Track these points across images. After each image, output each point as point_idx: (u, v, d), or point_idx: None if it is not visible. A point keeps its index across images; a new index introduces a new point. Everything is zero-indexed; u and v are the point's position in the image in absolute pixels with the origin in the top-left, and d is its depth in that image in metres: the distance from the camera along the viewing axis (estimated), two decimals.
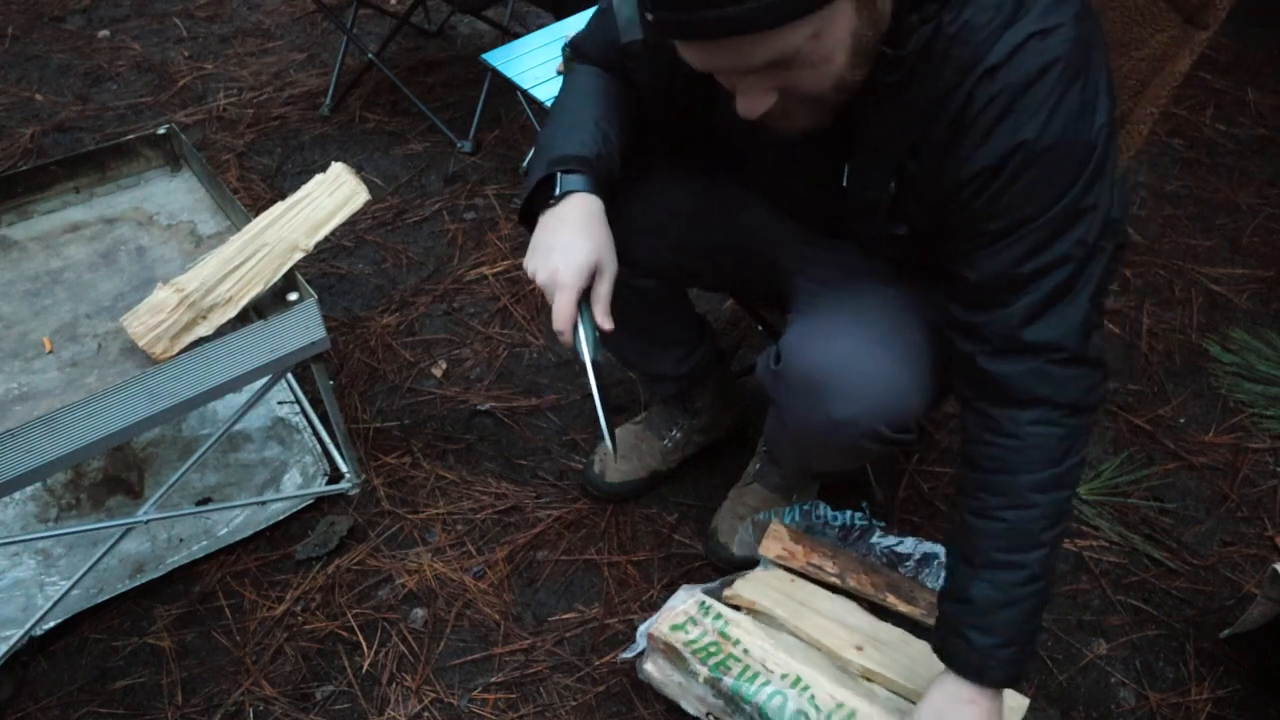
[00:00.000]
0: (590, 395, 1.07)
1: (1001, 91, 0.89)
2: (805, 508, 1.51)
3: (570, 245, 1.04)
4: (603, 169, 1.10)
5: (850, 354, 1.11)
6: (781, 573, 1.41)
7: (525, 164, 1.17)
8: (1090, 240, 0.95)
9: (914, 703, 1.23)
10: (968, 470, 1.06)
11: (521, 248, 2.19)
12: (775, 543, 1.43)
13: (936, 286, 1.08)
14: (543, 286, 1.05)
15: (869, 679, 1.28)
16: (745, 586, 1.37)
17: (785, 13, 0.80)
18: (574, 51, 1.27)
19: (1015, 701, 1.26)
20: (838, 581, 1.40)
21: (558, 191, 1.07)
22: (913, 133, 0.96)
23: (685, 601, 1.35)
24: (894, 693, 1.27)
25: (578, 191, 1.07)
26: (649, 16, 0.85)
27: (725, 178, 1.32)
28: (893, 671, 1.28)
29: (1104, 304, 1.02)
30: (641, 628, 1.35)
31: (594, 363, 1.05)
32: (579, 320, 1.04)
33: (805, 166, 1.13)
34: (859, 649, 1.30)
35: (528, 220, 1.12)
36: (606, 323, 1.05)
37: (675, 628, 1.30)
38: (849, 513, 1.51)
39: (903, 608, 1.37)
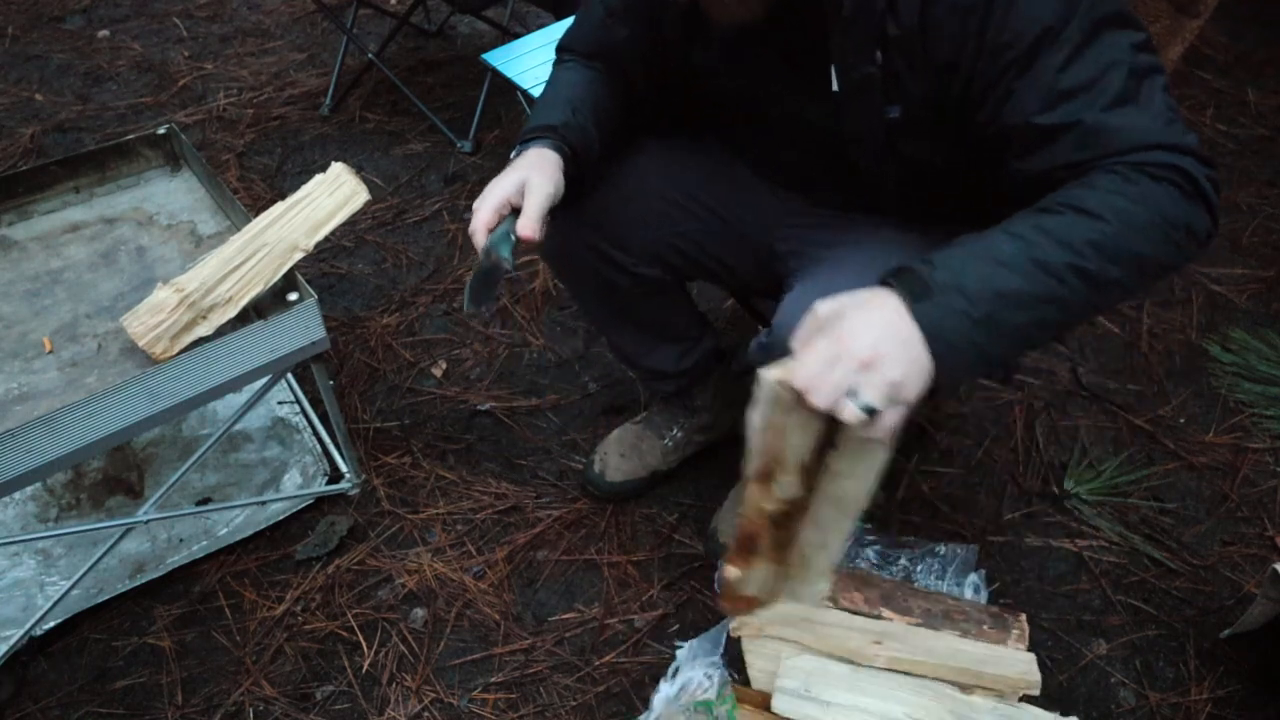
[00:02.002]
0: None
1: None
2: None
3: (505, 175, 1.11)
4: (570, 136, 1.15)
5: None
6: None
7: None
8: (1132, 46, 0.89)
9: (945, 681, 1.25)
10: (1063, 189, 0.90)
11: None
12: None
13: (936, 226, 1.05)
14: (473, 211, 1.11)
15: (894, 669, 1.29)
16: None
17: None
18: (559, 52, 1.31)
19: (1024, 675, 1.27)
20: (830, 605, 1.39)
21: (514, 154, 1.15)
22: None
23: (696, 673, 1.34)
24: (922, 675, 1.28)
25: (532, 146, 1.14)
26: None
27: (720, 158, 1.33)
28: (916, 655, 1.28)
29: (1176, 110, 0.92)
30: (657, 697, 1.32)
31: (492, 252, 1.08)
32: (500, 230, 1.09)
33: (793, 94, 1.12)
34: (877, 643, 1.30)
35: None
36: (524, 230, 1.07)
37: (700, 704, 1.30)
38: None
39: (899, 620, 1.37)
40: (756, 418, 0.81)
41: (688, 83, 1.24)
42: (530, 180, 1.09)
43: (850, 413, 0.77)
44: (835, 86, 1.04)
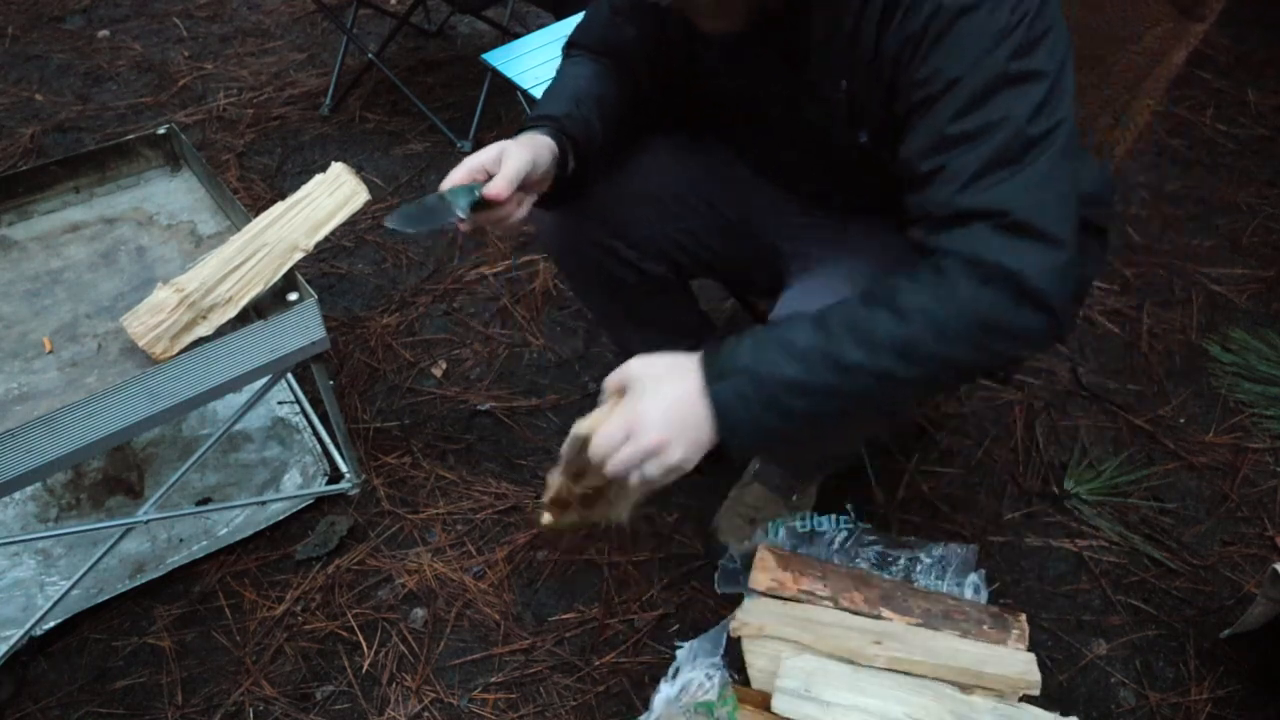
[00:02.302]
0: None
1: None
2: (790, 522, 1.51)
3: (490, 144, 1.08)
4: (570, 127, 1.13)
5: None
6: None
7: None
8: (1036, 106, 0.89)
9: (945, 681, 1.26)
10: (901, 277, 0.93)
11: (521, 247, 2.19)
12: (763, 574, 1.41)
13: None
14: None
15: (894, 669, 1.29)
16: (748, 613, 1.36)
17: None
18: (567, 47, 1.31)
19: (1024, 674, 1.27)
20: (830, 605, 1.39)
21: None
22: (850, 24, 0.96)
23: (697, 673, 1.34)
24: (922, 675, 1.28)
25: (527, 133, 1.12)
26: None
27: (723, 157, 1.34)
28: (916, 655, 1.28)
29: (1076, 193, 0.93)
30: (657, 698, 1.32)
31: (446, 196, 1.04)
32: (466, 186, 1.06)
33: (791, 94, 1.13)
34: (877, 643, 1.30)
35: None
36: (492, 189, 1.03)
37: (701, 705, 1.30)
38: (834, 517, 1.51)
39: (899, 620, 1.37)
40: (565, 446, 0.96)
41: (691, 83, 1.24)
42: (508, 148, 1.06)
43: (633, 480, 0.91)
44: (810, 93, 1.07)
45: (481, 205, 1.05)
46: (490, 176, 1.06)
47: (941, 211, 0.91)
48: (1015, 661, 1.31)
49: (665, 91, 1.28)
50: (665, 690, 1.32)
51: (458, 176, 1.06)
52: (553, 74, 2.08)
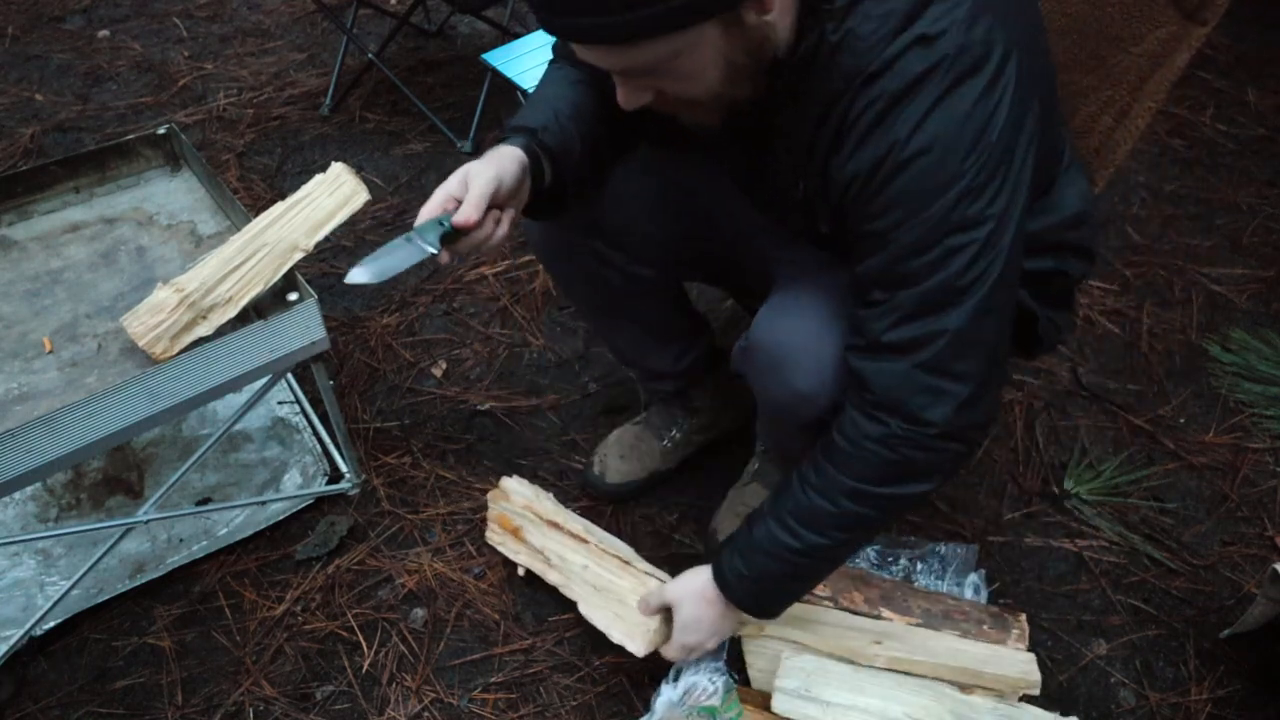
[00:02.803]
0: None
1: (879, 97, 0.89)
2: None
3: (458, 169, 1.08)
4: (547, 139, 1.12)
5: (811, 328, 1.13)
6: None
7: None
8: (978, 252, 0.93)
9: (945, 681, 1.28)
10: (817, 444, 1.09)
11: (522, 247, 2.19)
12: None
13: None
14: None
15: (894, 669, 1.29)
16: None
17: (632, 32, 0.83)
18: (553, 52, 1.30)
19: (1024, 674, 1.28)
20: (830, 605, 1.39)
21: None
22: (808, 135, 0.97)
23: (700, 677, 1.34)
24: (922, 675, 1.29)
25: (501, 146, 1.11)
26: (541, 14, 0.89)
27: (708, 167, 1.33)
28: (916, 655, 1.28)
29: (1004, 330, 1.01)
30: (659, 700, 1.33)
31: (412, 240, 1.02)
32: (435, 219, 1.03)
33: (740, 168, 1.16)
34: (877, 643, 1.30)
35: None
36: (460, 217, 1.02)
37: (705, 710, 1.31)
38: None
39: (899, 620, 1.37)
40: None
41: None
42: (471, 170, 1.04)
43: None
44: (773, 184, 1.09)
45: (455, 234, 1.03)
46: (459, 203, 1.03)
47: (868, 340, 1.00)
48: (1015, 661, 1.31)
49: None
50: (667, 693, 1.32)
51: (428, 210, 1.04)
52: None
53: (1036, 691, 1.29)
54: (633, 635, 1.34)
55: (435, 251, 1.01)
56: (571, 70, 1.22)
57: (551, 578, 1.48)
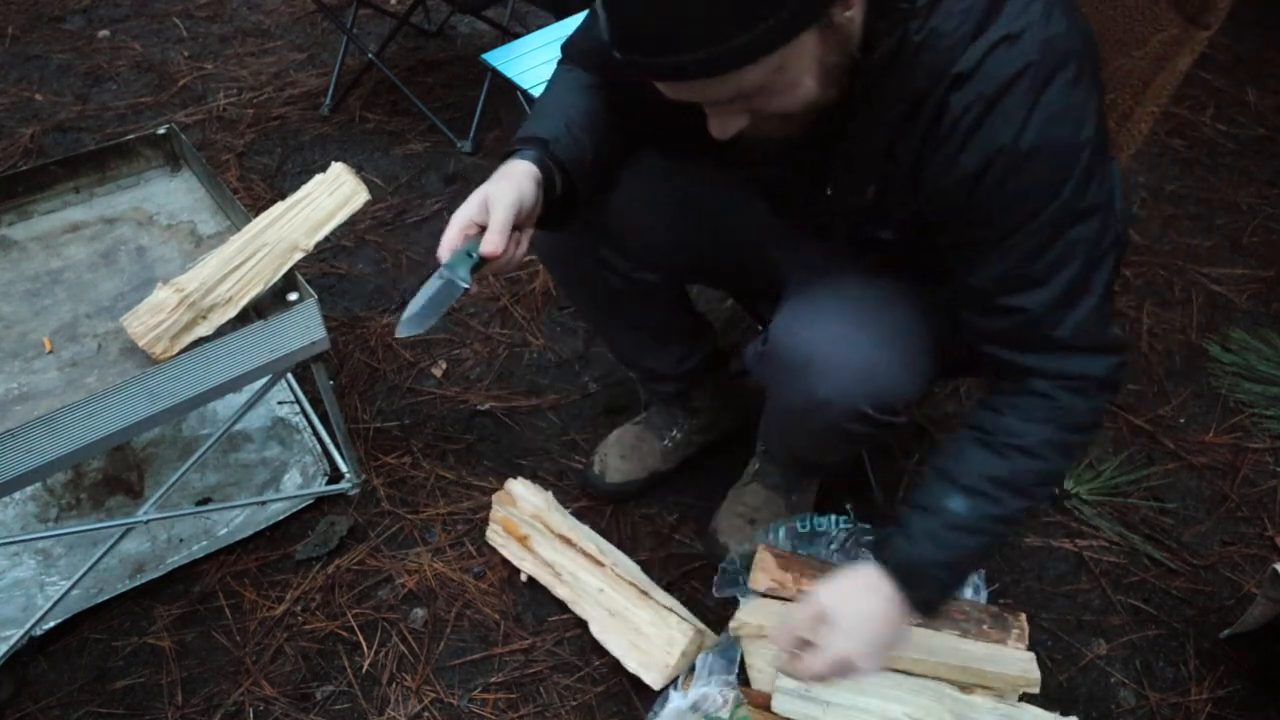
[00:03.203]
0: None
1: (975, 101, 0.89)
2: (789, 523, 1.51)
3: (474, 192, 1.06)
4: (559, 151, 1.11)
5: (833, 334, 1.12)
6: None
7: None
8: (1095, 237, 0.96)
9: (945, 681, 1.27)
10: (988, 410, 1.05)
11: None
12: (763, 574, 1.41)
13: (925, 284, 1.11)
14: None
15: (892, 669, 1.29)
16: (749, 614, 1.36)
17: (744, 57, 0.81)
18: (562, 53, 1.28)
19: (1024, 673, 1.28)
20: None
21: (501, 162, 1.12)
22: (886, 138, 0.96)
23: (711, 689, 1.34)
24: (922, 675, 1.29)
25: (513, 158, 1.09)
26: (616, 55, 0.86)
27: (716, 171, 1.32)
28: (916, 654, 1.29)
29: (1113, 294, 1.05)
30: (667, 706, 1.33)
31: (446, 278, 1.02)
32: (463, 250, 1.03)
33: (788, 174, 1.14)
34: None
35: None
36: (487, 247, 1.02)
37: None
38: (833, 517, 1.51)
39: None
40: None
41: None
42: (491, 195, 1.03)
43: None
44: (830, 192, 1.06)
45: (481, 262, 1.03)
46: (481, 228, 1.03)
47: (1028, 340, 1.00)
48: (1015, 661, 1.31)
49: (658, 124, 1.24)
50: (676, 700, 1.32)
51: (451, 239, 1.03)
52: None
53: (1036, 690, 1.29)
54: (650, 666, 1.36)
55: (469, 286, 1.03)
56: (582, 74, 1.20)
57: (560, 592, 1.48)
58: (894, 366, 1.12)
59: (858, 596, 1.05)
